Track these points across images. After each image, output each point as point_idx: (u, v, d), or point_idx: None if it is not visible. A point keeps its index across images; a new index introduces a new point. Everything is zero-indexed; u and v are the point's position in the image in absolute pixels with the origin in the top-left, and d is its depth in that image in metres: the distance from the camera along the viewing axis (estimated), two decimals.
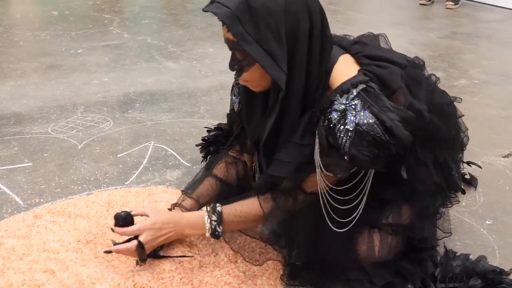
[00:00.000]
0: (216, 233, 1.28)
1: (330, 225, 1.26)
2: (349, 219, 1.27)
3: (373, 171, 1.25)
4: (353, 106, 1.14)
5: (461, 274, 1.30)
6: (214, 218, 1.28)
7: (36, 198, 1.76)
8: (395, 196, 1.34)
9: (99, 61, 3.34)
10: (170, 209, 1.40)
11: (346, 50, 1.29)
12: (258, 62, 1.15)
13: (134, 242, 1.24)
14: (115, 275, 1.22)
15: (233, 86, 1.50)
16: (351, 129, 1.13)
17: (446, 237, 1.45)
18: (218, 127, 1.88)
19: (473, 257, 1.35)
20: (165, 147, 2.15)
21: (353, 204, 1.27)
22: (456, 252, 1.38)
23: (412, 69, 1.29)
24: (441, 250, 1.41)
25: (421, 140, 1.28)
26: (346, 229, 1.27)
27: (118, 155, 2.08)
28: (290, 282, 1.33)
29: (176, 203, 1.41)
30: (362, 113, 1.13)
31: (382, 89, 1.17)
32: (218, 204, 1.30)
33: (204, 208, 1.32)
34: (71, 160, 2.04)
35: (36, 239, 1.38)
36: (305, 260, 1.30)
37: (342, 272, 1.31)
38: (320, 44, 1.20)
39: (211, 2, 1.17)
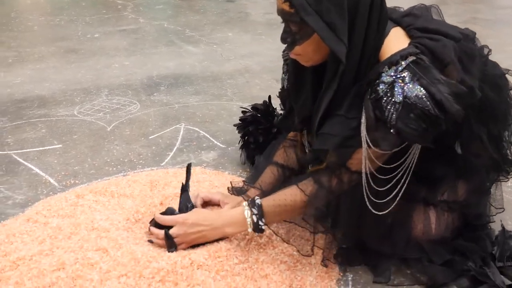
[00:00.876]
0: (259, 226, 1.23)
1: (370, 207, 1.21)
2: (388, 198, 1.23)
3: (418, 149, 1.21)
4: (401, 78, 1.10)
5: None
6: (254, 211, 1.22)
7: (70, 180, 1.72)
8: (449, 173, 1.31)
9: (118, 45, 3.30)
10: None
11: (397, 23, 1.24)
12: (318, 34, 1.11)
13: (162, 231, 1.23)
14: (171, 254, 1.18)
15: (283, 65, 1.45)
16: (398, 101, 1.09)
17: (499, 213, 1.41)
18: (255, 107, 1.84)
19: None
20: (196, 129, 2.11)
21: (393, 183, 1.23)
22: (511, 231, 1.34)
23: (465, 42, 1.25)
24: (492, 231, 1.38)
25: (475, 112, 1.24)
26: (386, 211, 1.22)
27: (150, 137, 2.04)
28: (344, 262, 1.30)
29: (236, 188, 1.38)
30: (410, 85, 1.09)
31: (433, 63, 1.12)
32: (256, 197, 1.26)
33: (244, 203, 1.27)
34: (101, 142, 2.01)
35: (83, 218, 1.34)
36: (351, 242, 1.26)
37: (398, 251, 1.28)
38: (378, 18, 1.16)
39: None
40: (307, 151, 1.42)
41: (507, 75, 1.39)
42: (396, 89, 1.09)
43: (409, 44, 1.15)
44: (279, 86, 1.51)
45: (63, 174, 1.77)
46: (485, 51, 1.35)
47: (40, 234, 1.30)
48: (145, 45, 3.29)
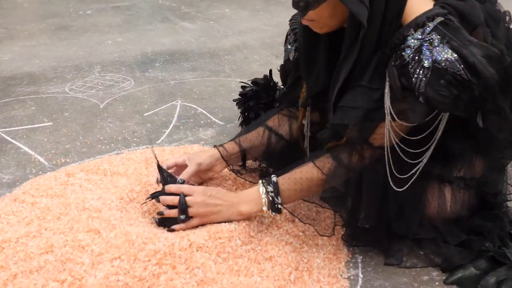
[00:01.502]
0: (276, 205, 1.15)
1: (391, 183, 1.13)
2: (408, 175, 1.15)
3: (444, 120, 1.12)
4: (429, 41, 0.99)
5: None
6: (270, 189, 1.15)
7: (61, 158, 1.63)
8: (466, 148, 1.22)
9: (111, 22, 3.19)
10: None
11: None
12: None
13: (177, 197, 1.14)
14: (168, 234, 1.10)
15: (287, 35, 1.35)
16: (427, 66, 0.99)
17: None
18: (255, 82, 1.75)
19: None
20: (193, 105, 2.02)
21: (420, 159, 1.15)
22: None
23: (489, 5, 1.15)
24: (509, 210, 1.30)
25: (500, 83, 1.15)
26: (405, 187, 1.14)
27: (145, 114, 1.95)
28: (353, 243, 1.22)
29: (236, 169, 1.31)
30: (439, 48, 0.99)
31: (461, 25, 1.03)
32: (273, 175, 1.18)
33: (259, 181, 1.19)
34: (94, 120, 1.91)
35: (73, 198, 1.26)
36: (373, 222, 1.18)
37: (411, 231, 1.20)
38: None
39: None
40: (305, 131, 1.33)
41: None
42: (424, 53, 0.99)
43: (435, 5, 1.05)
44: (279, 62, 1.41)
45: (54, 152, 1.68)
46: (507, 18, 1.26)
47: (27, 214, 1.22)
48: (139, 22, 3.18)
